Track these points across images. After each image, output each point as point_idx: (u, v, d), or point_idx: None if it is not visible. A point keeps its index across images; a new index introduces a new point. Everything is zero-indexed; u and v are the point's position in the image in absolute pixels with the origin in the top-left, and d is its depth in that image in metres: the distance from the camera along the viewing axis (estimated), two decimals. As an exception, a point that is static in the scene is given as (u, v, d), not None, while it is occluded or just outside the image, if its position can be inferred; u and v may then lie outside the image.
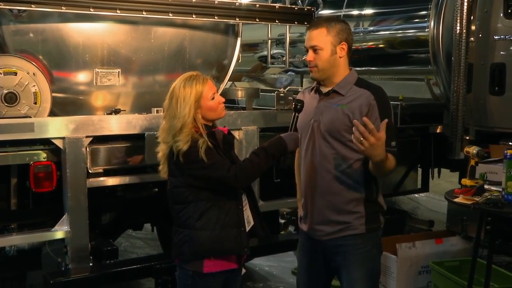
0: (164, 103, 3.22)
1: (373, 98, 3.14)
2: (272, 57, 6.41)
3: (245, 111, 5.00)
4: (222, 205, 3.16)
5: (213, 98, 3.20)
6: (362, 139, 2.85)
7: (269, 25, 5.73)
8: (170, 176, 3.23)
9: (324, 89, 3.28)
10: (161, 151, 3.22)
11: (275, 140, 3.20)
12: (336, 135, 3.17)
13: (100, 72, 4.43)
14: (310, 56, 3.21)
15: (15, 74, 4.05)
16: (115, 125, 4.26)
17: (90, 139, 4.16)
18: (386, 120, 2.94)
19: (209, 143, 3.08)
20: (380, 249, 3.35)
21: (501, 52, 5.40)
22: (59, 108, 4.38)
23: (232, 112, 4.79)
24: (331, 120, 3.18)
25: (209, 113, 3.21)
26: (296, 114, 3.25)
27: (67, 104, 4.45)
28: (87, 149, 4.15)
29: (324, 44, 3.17)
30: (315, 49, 3.19)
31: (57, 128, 4.04)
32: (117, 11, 4.26)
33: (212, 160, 3.06)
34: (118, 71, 4.49)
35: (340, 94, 3.21)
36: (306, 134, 3.29)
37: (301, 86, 7.17)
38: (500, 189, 3.68)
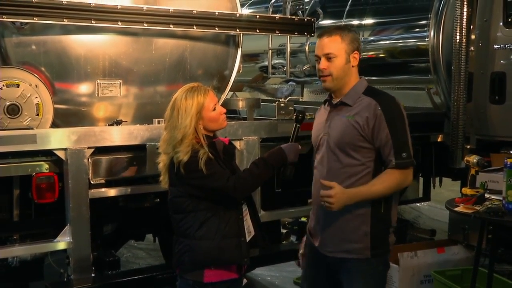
0: (165, 114, 3.24)
1: (379, 108, 3.04)
2: (273, 67, 6.44)
3: (246, 121, 5.02)
4: (222, 215, 3.17)
5: (214, 109, 3.22)
6: (326, 204, 2.93)
7: (270, 35, 5.75)
8: (170, 186, 3.25)
9: (335, 101, 3.21)
10: (162, 161, 3.24)
11: (275, 151, 3.22)
12: (345, 148, 3.08)
13: (102, 83, 4.45)
14: (323, 64, 3.11)
15: (18, 86, 4.08)
16: (117, 136, 4.28)
17: (92, 150, 4.17)
18: (333, 184, 2.95)
19: (210, 154, 3.10)
20: (386, 264, 3.26)
21: (501, 61, 5.41)
22: (61, 120, 4.40)
23: (233, 122, 4.80)
24: (340, 133, 3.09)
25: (211, 124, 3.23)
26: (297, 125, 3.25)
27: (69, 115, 4.47)
28: (89, 160, 4.17)
29: (339, 51, 3.10)
30: (329, 57, 3.10)
31: (59, 139, 4.06)
32: (119, 23, 4.29)
33: (211, 170, 3.08)
34: (120, 83, 4.52)
35: (347, 105, 3.13)
36: (317, 148, 3.25)
37: (302, 96, 7.19)
38: (501, 198, 3.69)
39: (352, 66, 3.15)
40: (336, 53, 3.10)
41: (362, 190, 3.01)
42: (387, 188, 3.04)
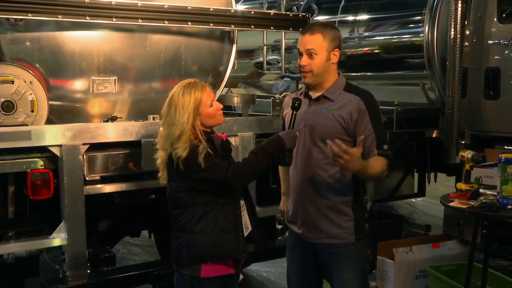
0: (162, 110, 3.24)
1: (363, 103, 3.21)
2: (268, 63, 6.43)
3: (241, 117, 5.02)
4: (221, 209, 3.18)
5: (211, 105, 3.22)
6: (334, 157, 2.97)
7: (265, 31, 5.75)
8: (169, 181, 3.25)
9: (314, 94, 3.32)
10: (160, 157, 3.24)
11: (273, 139, 3.22)
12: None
13: (97, 79, 4.45)
14: (305, 60, 3.24)
15: (12, 82, 4.07)
16: (112, 132, 4.28)
17: (87, 146, 4.17)
18: (362, 137, 3.03)
19: (209, 149, 3.10)
20: (367, 247, 3.47)
21: (496, 57, 5.42)
22: (56, 116, 4.39)
23: (229, 118, 4.80)
24: (323, 126, 3.23)
25: (208, 120, 3.23)
26: (294, 112, 3.28)
27: (64, 112, 4.46)
28: (84, 156, 4.17)
29: (320, 49, 3.21)
30: (310, 54, 3.22)
31: (54, 136, 4.06)
32: (113, 19, 4.29)
33: (210, 162, 3.08)
34: (114, 79, 4.51)
35: (330, 100, 3.26)
36: None
37: (297, 92, 7.17)
38: (495, 193, 3.70)
39: (332, 63, 3.28)
40: (317, 50, 3.22)
41: (367, 165, 3.11)
42: (378, 172, 3.21)
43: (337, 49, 3.26)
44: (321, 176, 3.25)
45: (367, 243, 3.44)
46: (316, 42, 3.22)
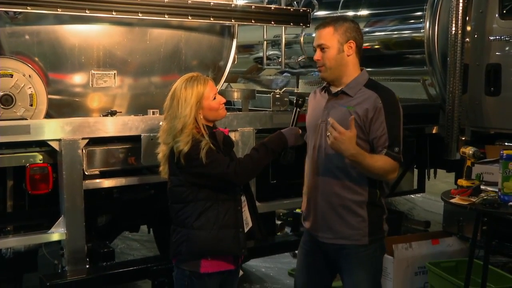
0: (164, 104, 3.23)
1: (380, 101, 3.09)
2: (268, 58, 6.42)
3: (241, 112, 5.00)
4: (221, 205, 3.17)
5: (214, 99, 3.21)
6: (328, 134, 2.91)
7: (265, 26, 5.73)
8: (170, 175, 3.24)
9: (334, 89, 3.25)
10: (161, 152, 3.24)
11: (275, 136, 3.22)
12: None
13: (96, 74, 4.43)
14: (317, 55, 3.20)
15: (11, 76, 4.04)
16: (111, 127, 4.25)
17: (86, 141, 4.15)
18: (352, 117, 2.97)
19: (211, 145, 3.09)
20: (383, 249, 3.33)
21: (497, 53, 5.42)
22: (55, 110, 4.37)
23: (228, 113, 4.76)
24: (338, 121, 3.06)
25: (211, 114, 3.22)
26: (298, 109, 3.25)
27: (63, 106, 4.45)
28: (83, 151, 4.15)
29: (330, 42, 3.15)
30: (322, 48, 3.17)
31: (53, 130, 4.03)
32: (113, 12, 4.26)
33: (211, 158, 3.07)
34: (114, 73, 4.49)
35: (348, 95, 3.17)
36: (313, 134, 3.28)
37: (297, 87, 7.18)
38: (496, 190, 3.69)
39: (348, 55, 3.18)
40: (328, 43, 3.16)
41: (365, 154, 3.01)
42: (380, 167, 3.06)
43: (351, 41, 3.16)
44: (335, 173, 3.16)
45: (383, 246, 3.31)
46: (326, 35, 3.16)
